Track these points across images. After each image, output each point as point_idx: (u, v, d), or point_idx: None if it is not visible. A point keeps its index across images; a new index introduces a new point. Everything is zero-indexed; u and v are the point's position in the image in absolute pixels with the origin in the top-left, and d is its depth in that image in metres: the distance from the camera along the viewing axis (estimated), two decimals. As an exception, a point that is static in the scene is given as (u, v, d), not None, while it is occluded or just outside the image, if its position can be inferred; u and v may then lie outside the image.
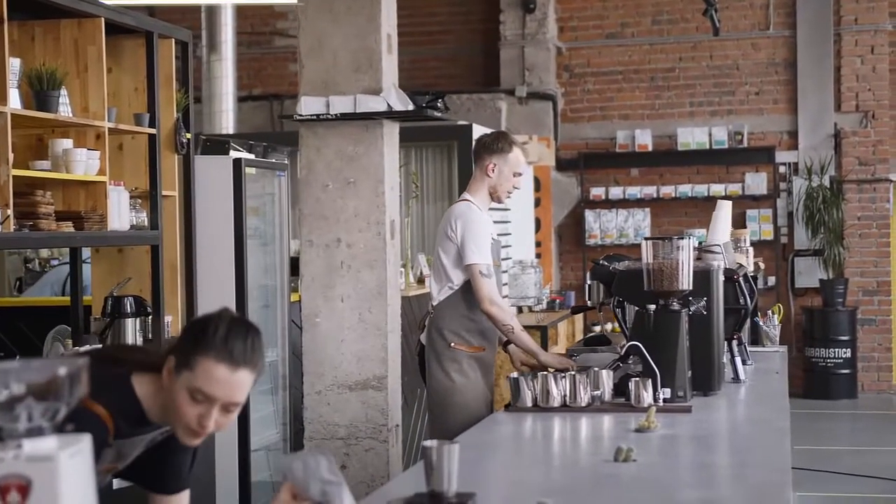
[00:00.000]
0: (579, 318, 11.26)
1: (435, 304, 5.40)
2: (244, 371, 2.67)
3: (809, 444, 9.90)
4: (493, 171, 5.38)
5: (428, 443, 2.80)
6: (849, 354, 12.55)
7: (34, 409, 1.83)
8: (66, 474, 1.80)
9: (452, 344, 5.32)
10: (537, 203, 12.48)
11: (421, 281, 8.21)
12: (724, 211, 5.85)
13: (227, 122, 11.32)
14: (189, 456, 2.99)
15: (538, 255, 12.27)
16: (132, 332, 5.56)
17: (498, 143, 5.41)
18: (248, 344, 2.70)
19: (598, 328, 11.10)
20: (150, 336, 5.76)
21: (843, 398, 12.48)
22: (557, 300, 11.18)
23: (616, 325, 6.04)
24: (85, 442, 1.86)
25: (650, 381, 4.35)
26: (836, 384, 12.53)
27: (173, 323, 6.00)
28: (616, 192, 13.21)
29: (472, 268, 5.22)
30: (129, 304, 5.57)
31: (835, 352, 12.52)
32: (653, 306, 4.55)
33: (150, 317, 5.72)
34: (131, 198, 5.66)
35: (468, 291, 5.26)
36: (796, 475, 8.06)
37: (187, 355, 2.68)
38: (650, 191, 13.13)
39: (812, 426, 11.00)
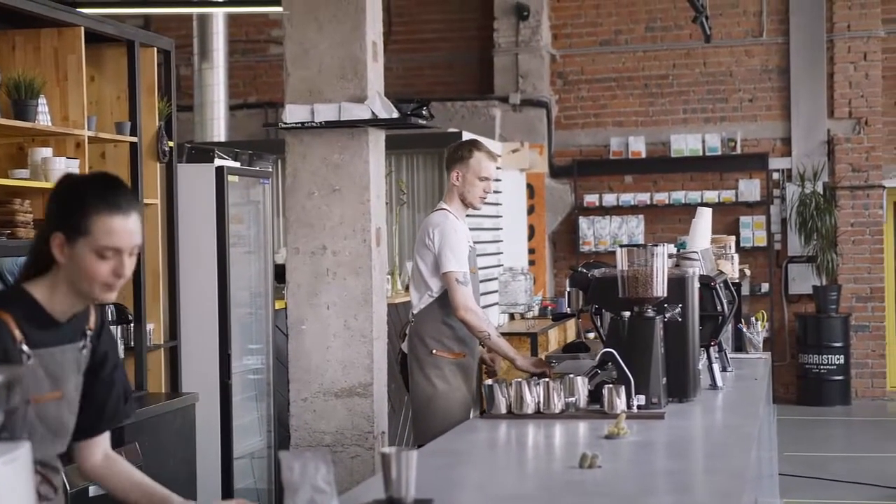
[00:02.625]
0: (572, 324, 11.25)
1: (415, 312, 5.46)
2: (135, 214, 2.80)
3: (802, 451, 9.90)
4: (458, 179, 5.43)
5: (385, 450, 2.82)
6: (842, 361, 12.54)
7: (-31, 417, 1.85)
8: (1, 482, 1.81)
9: (434, 351, 5.37)
10: (531, 210, 12.49)
11: (409, 288, 8.21)
12: (704, 218, 5.88)
13: (218, 129, 11.33)
14: (114, 389, 3.00)
15: (532, 262, 12.28)
16: (113, 339, 5.57)
17: (458, 151, 5.47)
18: (124, 191, 2.83)
19: (592, 335, 11.07)
20: (132, 344, 5.77)
21: (837, 405, 12.47)
22: (550, 307, 11.17)
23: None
24: (23, 449, 1.87)
25: (624, 387, 4.36)
26: (830, 391, 12.53)
27: (155, 330, 6.02)
28: (610, 199, 13.21)
29: (449, 276, 5.27)
30: (110, 312, 5.58)
31: (828, 358, 12.51)
32: (627, 313, 4.56)
33: (132, 324, 5.73)
34: (113, 206, 5.67)
35: (447, 299, 5.30)
36: (786, 482, 8.06)
37: (76, 223, 2.76)
38: (644, 198, 13.13)
39: (805, 433, 11.00)
